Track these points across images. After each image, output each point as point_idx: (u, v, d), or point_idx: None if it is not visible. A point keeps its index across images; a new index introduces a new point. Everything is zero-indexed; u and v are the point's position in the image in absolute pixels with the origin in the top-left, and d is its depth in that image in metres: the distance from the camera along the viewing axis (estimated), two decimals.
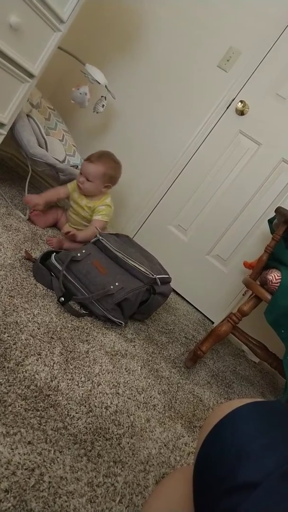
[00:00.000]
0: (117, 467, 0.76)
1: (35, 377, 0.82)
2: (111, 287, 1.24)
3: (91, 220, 1.66)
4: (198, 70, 1.95)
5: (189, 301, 2.07)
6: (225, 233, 1.99)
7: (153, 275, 1.32)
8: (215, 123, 1.95)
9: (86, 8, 1.41)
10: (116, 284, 1.25)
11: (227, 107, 1.92)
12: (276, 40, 1.81)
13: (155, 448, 0.88)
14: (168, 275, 1.43)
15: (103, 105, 1.83)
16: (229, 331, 1.41)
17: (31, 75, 1.41)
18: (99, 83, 1.71)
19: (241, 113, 1.89)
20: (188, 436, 1.01)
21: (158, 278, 1.34)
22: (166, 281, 1.42)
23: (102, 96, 1.81)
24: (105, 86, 1.76)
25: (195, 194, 2.02)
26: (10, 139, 1.56)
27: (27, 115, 1.62)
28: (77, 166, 1.83)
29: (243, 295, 1.92)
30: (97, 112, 1.86)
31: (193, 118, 1.98)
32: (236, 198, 1.95)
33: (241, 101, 1.87)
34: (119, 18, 2.07)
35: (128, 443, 0.84)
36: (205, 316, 2.04)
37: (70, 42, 1.53)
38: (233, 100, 1.90)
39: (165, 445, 0.92)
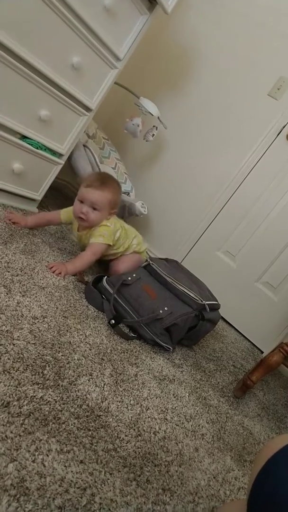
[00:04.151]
0: (165, 495, 0.75)
1: (86, 397, 0.84)
2: (160, 311, 1.25)
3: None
4: (247, 100, 1.99)
5: (237, 329, 2.02)
6: (275, 260, 1.94)
7: (202, 301, 1.32)
8: (265, 150, 1.95)
9: (140, 44, 1.49)
10: (165, 308, 1.26)
11: (278, 134, 1.92)
12: None
13: (204, 480, 0.86)
14: (217, 301, 1.42)
15: (153, 135, 1.90)
16: (281, 361, 1.36)
17: (88, 109, 1.51)
18: (152, 115, 1.79)
19: None
20: (238, 470, 0.97)
21: (207, 304, 1.33)
22: (215, 308, 1.40)
23: (153, 126, 1.89)
24: (157, 117, 1.84)
25: (244, 220, 2.01)
26: (67, 168, 1.66)
27: (84, 145, 1.72)
28: (128, 193, 1.89)
29: None
30: (146, 140, 1.93)
31: (242, 145, 2.00)
32: (287, 225, 1.91)
33: None
34: (170, 53, 2.17)
35: (176, 471, 0.83)
36: (254, 345, 1.98)
37: (125, 76, 1.62)
38: (283, 127, 1.90)
39: (214, 477, 0.89)
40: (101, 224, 1.39)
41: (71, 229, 1.52)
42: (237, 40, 1.99)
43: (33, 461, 0.62)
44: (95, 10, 1.27)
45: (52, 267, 1.28)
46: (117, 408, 0.88)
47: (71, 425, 0.74)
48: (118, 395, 0.92)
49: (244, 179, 2.00)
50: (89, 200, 1.33)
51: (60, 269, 1.29)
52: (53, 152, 1.51)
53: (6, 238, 1.26)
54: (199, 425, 1.04)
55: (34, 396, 0.74)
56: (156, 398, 1.02)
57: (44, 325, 0.97)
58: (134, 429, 0.85)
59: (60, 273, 1.28)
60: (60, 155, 1.55)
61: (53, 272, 1.27)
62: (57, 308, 1.09)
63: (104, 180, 1.37)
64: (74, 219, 1.41)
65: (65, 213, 1.45)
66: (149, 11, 1.41)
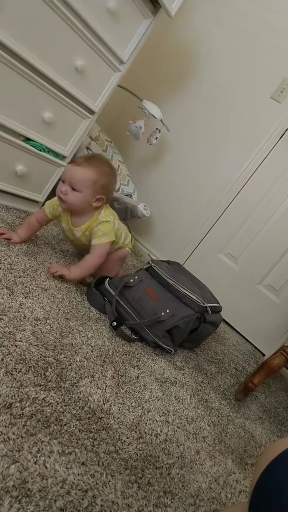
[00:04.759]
0: (167, 498, 0.75)
1: (88, 399, 0.84)
2: (162, 313, 1.25)
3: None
4: (250, 103, 1.99)
5: (239, 331, 2.02)
6: (277, 263, 1.94)
7: (204, 304, 1.32)
8: (267, 153, 1.95)
9: (144, 47, 1.50)
10: (167, 311, 1.26)
11: (280, 137, 1.92)
12: None
13: (205, 482, 0.86)
14: (219, 304, 1.42)
15: (156, 138, 1.91)
16: (283, 364, 1.36)
17: (92, 112, 1.51)
18: (155, 118, 1.80)
19: None
20: (240, 473, 0.97)
21: (209, 306, 1.33)
22: (217, 310, 1.40)
23: (156, 129, 1.90)
24: (160, 120, 1.84)
25: (246, 223, 2.01)
26: None
27: (87, 147, 1.73)
28: (131, 195, 1.90)
29: None
30: (150, 144, 1.94)
31: (244, 148, 2.00)
32: None
33: None
34: (173, 56, 2.18)
35: (178, 474, 0.83)
36: (256, 348, 1.97)
37: (128, 79, 1.62)
38: (286, 130, 1.90)
39: (215, 480, 0.89)
40: (101, 221, 1.27)
41: (59, 222, 1.36)
42: (240, 42, 1.99)
43: (35, 463, 0.62)
44: (99, 13, 1.28)
45: (50, 268, 1.21)
46: (119, 410, 0.88)
47: (73, 427, 0.74)
48: (120, 397, 0.92)
49: (246, 182, 2.01)
50: (68, 178, 1.18)
51: (62, 271, 1.21)
52: (56, 154, 1.52)
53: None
54: (200, 428, 1.04)
55: (36, 398, 0.75)
56: (158, 400, 1.02)
57: (47, 327, 0.98)
58: (136, 431, 0.85)
59: (62, 274, 1.20)
60: (63, 157, 1.56)
61: (54, 273, 1.19)
62: (59, 309, 1.09)
63: (90, 158, 1.22)
64: (61, 211, 1.28)
65: (49, 206, 1.30)
66: (152, 14, 1.42)
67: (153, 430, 0.90)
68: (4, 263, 1.11)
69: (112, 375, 0.98)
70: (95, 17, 1.27)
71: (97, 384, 0.91)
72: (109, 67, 1.44)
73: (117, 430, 0.82)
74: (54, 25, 1.21)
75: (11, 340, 0.84)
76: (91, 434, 0.76)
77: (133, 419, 0.89)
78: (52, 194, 1.58)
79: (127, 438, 0.82)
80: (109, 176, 1.26)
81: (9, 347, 0.82)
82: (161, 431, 0.92)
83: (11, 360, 0.79)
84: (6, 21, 1.11)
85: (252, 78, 1.98)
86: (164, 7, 1.37)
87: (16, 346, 0.84)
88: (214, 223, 2.09)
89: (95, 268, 1.28)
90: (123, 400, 0.92)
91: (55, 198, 1.28)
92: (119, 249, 1.45)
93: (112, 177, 1.28)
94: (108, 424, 0.82)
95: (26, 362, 0.82)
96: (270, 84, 1.93)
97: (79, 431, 0.74)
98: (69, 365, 0.90)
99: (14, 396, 0.71)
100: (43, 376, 0.81)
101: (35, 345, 0.88)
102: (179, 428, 0.98)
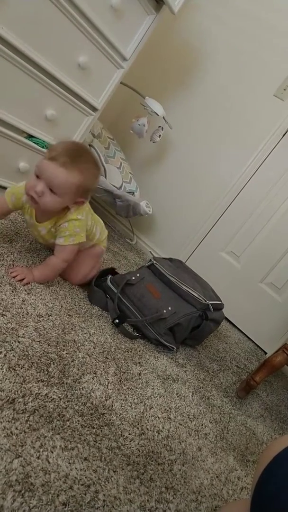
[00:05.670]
0: (169, 494, 0.75)
1: (91, 395, 0.84)
2: (164, 311, 1.25)
3: None
4: (252, 101, 1.98)
5: (241, 329, 2.02)
6: (280, 261, 1.94)
7: (206, 301, 1.32)
8: (270, 151, 1.94)
9: (146, 44, 1.49)
10: (169, 308, 1.26)
11: (283, 135, 1.91)
12: None
13: (207, 479, 0.86)
14: (221, 301, 1.42)
15: (159, 135, 1.91)
16: (284, 362, 1.36)
17: (94, 109, 1.51)
18: (158, 115, 1.79)
19: None
20: (241, 470, 0.97)
21: (211, 304, 1.34)
22: (219, 308, 1.40)
23: (159, 127, 1.89)
24: (163, 117, 1.84)
25: (248, 221, 2.01)
26: None
27: (89, 145, 1.73)
28: (133, 193, 1.90)
29: None
30: (153, 142, 1.94)
31: (247, 146, 1.99)
32: None
33: None
34: (176, 53, 2.17)
35: (180, 470, 0.83)
36: (257, 346, 1.98)
37: (130, 75, 1.62)
38: None
39: (217, 477, 0.89)
40: (70, 218, 1.09)
41: (22, 215, 1.18)
42: (243, 40, 1.99)
43: (38, 458, 0.63)
44: (102, 10, 1.28)
45: (13, 272, 1.05)
46: (121, 406, 0.88)
47: (76, 422, 0.74)
48: (122, 393, 0.92)
49: (249, 179, 2.00)
50: (47, 178, 0.99)
51: (24, 274, 1.06)
52: None
53: (12, 236, 1.27)
54: (202, 425, 1.04)
55: (39, 393, 0.75)
56: (160, 397, 1.02)
57: (49, 323, 0.98)
58: (138, 428, 0.86)
59: (23, 280, 1.05)
60: None
61: (14, 278, 1.04)
62: (61, 306, 1.09)
63: (76, 157, 1.01)
64: (26, 201, 1.09)
65: (11, 195, 1.10)
66: (156, 11, 1.41)
67: (155, 426, 0.90)
68: (6, 260, 1.11)
69: (114, 372, 0.98)
70: (98, 14, 1.27)
71: (100, 381, 0.91)
72: (112, 64, 1.44)
73: (119, 426, 0.82)
74: (56, 22, 1.21)
75: (14, 336, 0.85)
76: (94, 430, 0.76)
77: (135, 415, 0.89)
78: None
79: (129, 434, 0.82)
80: (95, 178, 1.11)
81: (12, 343, 0.83)
82: (163, 428, 0.92)
83: (14, 356, 0.79)
84: (9, 18, 1.11)
85: (255, 76, 1.97)
86: (167, 3, 1.37)
87: (19, 342, 0.84)
88: (216, 221, 2.09)
89: (60, 272, 1.17)
90: (125, 397, 0.92)
91: (18, 186, 1.11)
92: (94, 246, 1.30)
93: (96, 178, 1.12)
94: (110, 420, 0.82)
95: (29, 358, 0.82)
96: (273, 82, 1.92)
97: (82, 427, 0.75)
98: (71, 362, 0.90)
99: (17, 391, 0.72)
100: (46, 372, 0.81)
101: (37, 341, 0.89)
102: (181, 425, 0.98)
